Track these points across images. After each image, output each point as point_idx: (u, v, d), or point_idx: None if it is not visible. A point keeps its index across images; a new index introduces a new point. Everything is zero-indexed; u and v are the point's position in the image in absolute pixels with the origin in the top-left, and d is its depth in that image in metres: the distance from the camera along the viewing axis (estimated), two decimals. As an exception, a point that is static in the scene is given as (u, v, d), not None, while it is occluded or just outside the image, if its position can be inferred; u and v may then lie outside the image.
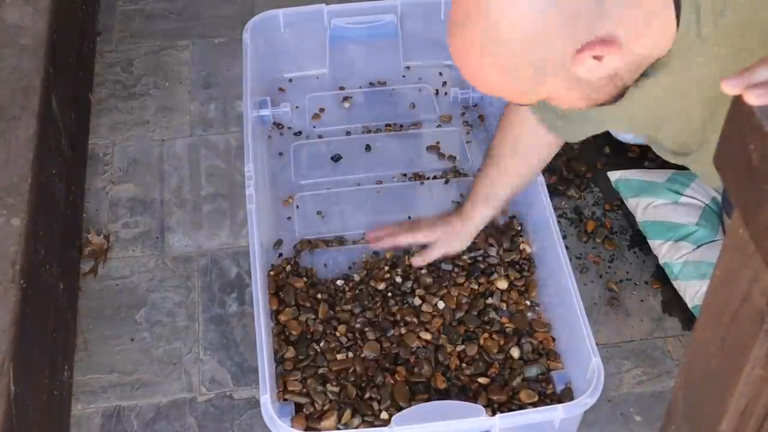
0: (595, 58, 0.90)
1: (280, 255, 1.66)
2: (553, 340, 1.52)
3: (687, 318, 1.64)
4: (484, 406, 1.35)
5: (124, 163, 1.90)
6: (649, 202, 1.72)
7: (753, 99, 0.58)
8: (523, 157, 1.44)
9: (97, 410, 1.54)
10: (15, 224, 1.38)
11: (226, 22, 2.20)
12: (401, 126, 1.89)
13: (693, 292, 1.61)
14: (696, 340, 0.74)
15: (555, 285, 1.52)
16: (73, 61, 1.89)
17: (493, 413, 1.39)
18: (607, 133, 1.89)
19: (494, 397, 1.42)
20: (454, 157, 1.83)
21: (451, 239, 1.54)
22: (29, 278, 1.36)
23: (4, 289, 1.31)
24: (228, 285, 1.70)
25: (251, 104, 1.76)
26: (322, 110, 1.92)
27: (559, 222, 1.77)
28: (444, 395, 1.43)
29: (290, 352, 1.48)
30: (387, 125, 1.89)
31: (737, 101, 0.60)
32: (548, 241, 1.54)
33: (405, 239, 1.57)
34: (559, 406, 1.31)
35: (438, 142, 1.86)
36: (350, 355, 1.48)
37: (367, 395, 1.43)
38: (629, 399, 1.54)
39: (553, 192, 1.82)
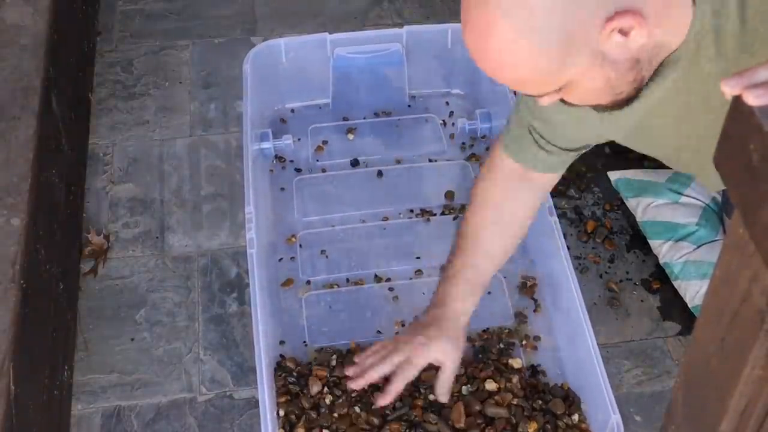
0: (621, 33, 0.88)
1: (282, 342, 1.56)
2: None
3: (687, 318, 1.64)
4: None
5: (124, 163, 1.90)
6: (650, 202, 1.72)
7: (752, 99, 0.58)
8: (506, 230, 1.34)
9: (97, 410, 1.54)
10: (15, 224, 1.38)
11: (226, 22, 2.20)
12: (407, 159, 1.84)
13: (693, 292, 1.61)
14: (696, 340, 0.74)
15: (570, 332, 1.48)
16: (73, 61, 1.89)
17: None
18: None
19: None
20: (462, 192, 1.77)
21: (453, 353, 1.31)
22: (29, 278, 1.36)
23: (4, 289, 1.31)
24: (228, 285, 1.70)
25: (252, 137, 1.69)
26: (325, 143, 1.88)
27: (559, 221, 1.78)
28: None
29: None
30: (396, 159, 1.84)
31: (737, 101, 0.60)
32: (564, 285, 1.49)
33: (388, 369, 1.31)
34: None
35: (445, 176, 1.81)
36: (357, 409, 1.42)
37: None
38: (629, 399, 1.54)
39: (553, 192, 1.82)
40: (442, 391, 1.32)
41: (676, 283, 1.64)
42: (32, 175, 1.45)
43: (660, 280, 1.69)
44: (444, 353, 1.30)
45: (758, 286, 0.61)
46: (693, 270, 1.62)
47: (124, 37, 2.17)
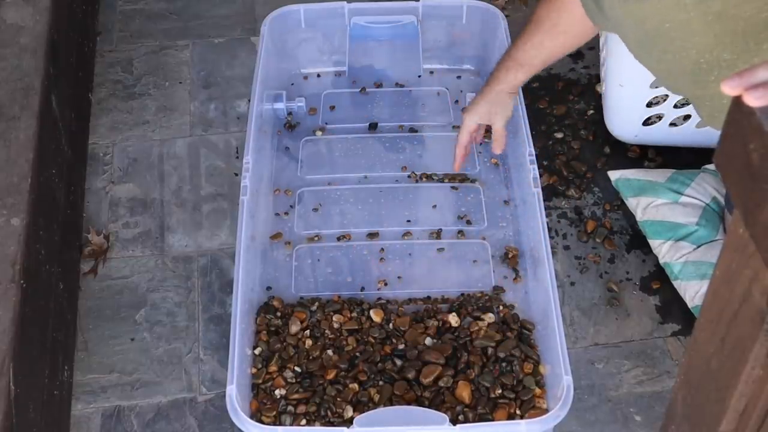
0: None
1: (269, 288, 1.62)
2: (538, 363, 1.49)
3: (687, 318, 1.64)
4: (453, 413, 1.37)
5: (124, 163, 1.90)
6: (649, 202, 1.72)
7: (752, 100, 0.58)
8: (561, 37, 1.44)
9: (97, 410, 1.54)
10: (15, 224, 1.38)
11: (226, 22, 2.20)
12: (415, 128, 1.87)
13: (693, 292, 1.61)
14: (696, 340, 0.74)
15: (543, 304, 1.50)
16: (73, 61, 1.89)
17: (465, 418, 1.39)
18: (607, 133, 1.89)
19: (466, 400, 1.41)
20: (466, 164, 1.77)
21: (497, 114, 1.55)
22: (29, 278, 1.36)
23: (4, 289, 1.31)
24: (228, 285, 1.70)
25: (265, 97, 1.76)
26: (335, 108, 1.91)
27: (558, 222, 1.78)
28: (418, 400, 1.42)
29: (267, 345, 1.50)
30: (400, 126, 1.88)
31: (737, 102, 0.60)
32: (538, 249, 1.52)
33: (464, 138, 1.59)
34: (522, 421, 1.30)
35: (451, 147, 1.81)
36: (330, 353, 1.48)
37: (335, 393, 1.43)
38: (629, 399, 1.54)
39: (553, 192, 1.83)
40: (496, 146, 1.58)
41: (675, 284, 1.64)
42: (32, 175, 1.45)
43: (660, 280, 1.69)
44: (489, 114, 1.55)
45: (758, 286, 0.61)
46: (693, 270, 1.62)
47: (124, 37, 2.17)
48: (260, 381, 1.44)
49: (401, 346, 1.49)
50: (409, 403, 1.40)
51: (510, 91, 1.53)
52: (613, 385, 1.56)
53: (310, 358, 1.48)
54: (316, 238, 1.68)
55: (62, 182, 1.65)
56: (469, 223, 1.70)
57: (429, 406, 1.38)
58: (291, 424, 1.39)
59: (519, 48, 1.47)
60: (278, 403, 1.42)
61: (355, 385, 1.43)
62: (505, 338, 1.48)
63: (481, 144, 1.83)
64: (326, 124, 1.88)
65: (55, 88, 1.66)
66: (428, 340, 1.49)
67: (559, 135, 1.93)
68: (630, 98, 1.76)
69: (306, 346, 1.49)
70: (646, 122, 1.80)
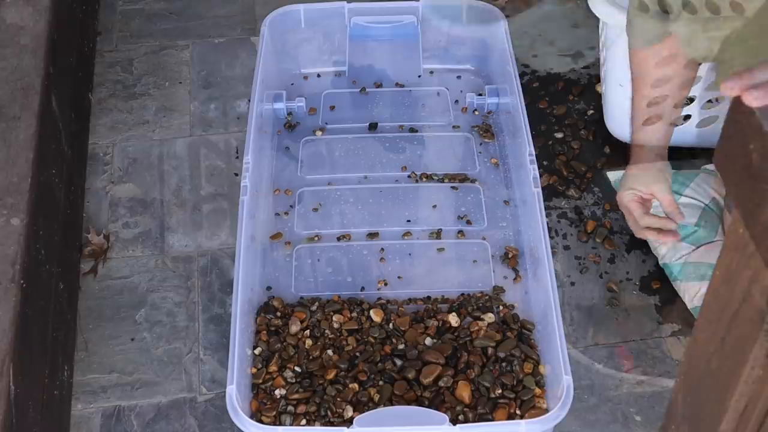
0: None
1: (269, 288, 1.61)
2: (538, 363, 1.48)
3: (687, 318, 1.64)
4: (452, 412, 1.37)
5: (124, 163, 1.90)
6: (649, 202, 1.72)
7: (751, 101, 0.58)
8: (676, 95, 1.44)
9: (97, 410, 1.54)
10: (15, 224, 1.38)
11: (226, 22, 2.20)
12: (416, 128, 1.87)
13: (692, 293, 1.61)
14: (696, 340, 0.74)
15: (539, 294, 1.51)
16: (73, 61, 1.89)
17: (464, 417, 1.39)
18: (607, 133, 1.89)
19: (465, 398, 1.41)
20: (466, 164, 1.81)
21: (655, 185, 1.51)
22: (29, 278, 1.36)
23: (4, 289, 1.31)
24: (228, 285, 1.70)
25: (265, 97, 1.76)
26: (335, 108, 1.92)
27: (558, 222, 1.78)
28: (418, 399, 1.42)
29: (267, 345, 1.50)
30: (400, 126, 1.88)
31: (737, 102, 0.60)
32: (538, 249, 1.52)
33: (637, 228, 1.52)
34: (522, 421, 1.30)
35: (451, 147, 1.84)
36: (330, 353, 1.48)
37: (335, 393, 1.42)
38: (629, 399, 1.54)
39: (553, 192, 1.83)
40: (671, 213, 1.48)
41: (675, 284, 1.64)
42: (32, 175, 1.45)
43: (660, 280, 1.69)
44: (646, 187, 1.49)
45: (758, 286, 0.61)
46: (692, 271, 1.62)
47: (124, 37, 2.17)
48: (260, 381, 1.44)
49: (401, 346, 1.49)
50: (409, 403, 1.40)
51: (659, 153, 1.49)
52: (613, 385, 1.56)
53: (310, 358, 1.48)
54: (316, 238, 1.68)
55: (62, 182, 1.65)
56: (469, 223, 1.70)
57: (429, 406, 1.38)
58: (291, 424, 1.39)
59: (650, 132, 1.46)
60: (278, 403, 1.42)
61: (355, 385, 1.43)
62: (505, 338, 1.48)
63: (481, 144, 1.84)
64: (326, 124, 1.88)
65: (55, 88, 1.66)
66: (428, 340, 1.49)
67: (559, 135, 1.93)
68: (630, 98, 1.75)
69: (306, 346, 1.49)
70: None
